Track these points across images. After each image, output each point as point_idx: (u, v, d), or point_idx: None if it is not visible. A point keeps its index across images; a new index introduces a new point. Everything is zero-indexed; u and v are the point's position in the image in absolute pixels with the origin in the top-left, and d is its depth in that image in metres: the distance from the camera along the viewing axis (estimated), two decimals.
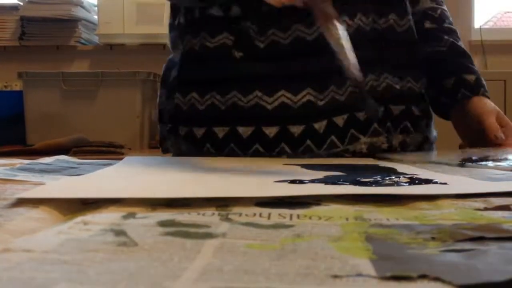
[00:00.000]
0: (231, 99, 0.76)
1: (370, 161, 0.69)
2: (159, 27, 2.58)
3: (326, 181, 0.47)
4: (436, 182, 0.46)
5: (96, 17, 2.76)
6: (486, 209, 0.36)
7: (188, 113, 0.79)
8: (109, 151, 1.88)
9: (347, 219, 0.33)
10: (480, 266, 0.23)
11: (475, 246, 0.26)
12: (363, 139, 0.75)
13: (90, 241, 0.27)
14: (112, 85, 2.15)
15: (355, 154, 0.76)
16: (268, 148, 0.75)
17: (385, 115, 0.77)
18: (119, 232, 0.29)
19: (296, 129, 0.74)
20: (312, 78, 0.74)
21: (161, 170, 0.58)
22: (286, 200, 0.39)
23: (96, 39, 2.80)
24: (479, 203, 0.38)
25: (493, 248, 0.26)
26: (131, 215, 0.33)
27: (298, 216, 0.34)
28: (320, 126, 0.74)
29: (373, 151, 0.76)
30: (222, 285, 0.21)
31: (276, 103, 0.74)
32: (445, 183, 0.46)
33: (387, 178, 0.49)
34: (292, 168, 0.59)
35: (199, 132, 0.78)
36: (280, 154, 0.75)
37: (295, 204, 0.37)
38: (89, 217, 0.33)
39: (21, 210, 0.35)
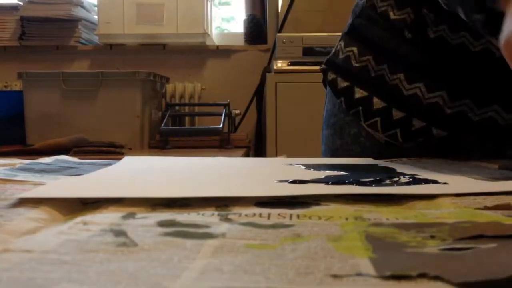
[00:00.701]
0: (379, 70, 0.76)
1: (370, 161, 0.69)
2: (159, 27, 2.58)
3: (326, 181, 0.47)
4: (436, 182, 0.46)
5: (96, 17, 2.76)
6: (485, 208, 0.36)
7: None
8: (109, 151, 1.88)
9: (347, 218, 0.33)
10: (479, 265, 0.23)
11: (474, 244, 0.26)
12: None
13: (90, 241, 0.27)
14: (112, 85, 2.16)
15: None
16: (385, 128, 0.75)
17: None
18: (119, 232, 0.29)
19: (416, 123, 0.73)
20: (449, 81, 0.72)
21: (161, 170, 0.58)
22: (285, 200, 0.39)
23: (96, 39, 2.80)
24: (478, 202, 0.38)
25: (492, 246, 0.26)
26: (131, 215, 0.33)
27: (298, 216, 0.34)
28: (439, 133, 0.73)
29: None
30: (222, 285, 0.21)
31: (411, 92, 0.73)
32: (445, 183, 0.46)
33: (387, 178, 0.49)
34: (292, 168, 0.59)
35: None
36: (392, 138, 0.75)
37: (295, 204, 0.37)
38: (89, 217, 0.33)
39: (21, 210, 0.35)
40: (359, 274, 0.22)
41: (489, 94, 0.71)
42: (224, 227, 0.31)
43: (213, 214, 0.34)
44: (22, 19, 2.72)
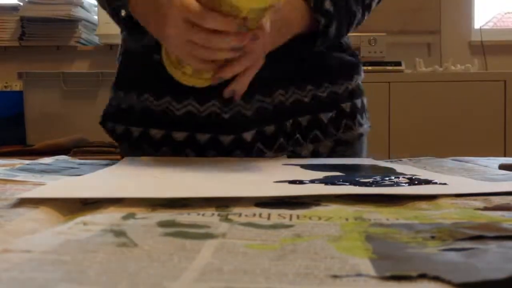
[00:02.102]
0: (143, 101, 0.77)
1: (369, 161, 0.69)
2: None
3: (326, 181, 0.47)
4: (436, 183, 0.46)
5: (96, 17, 2.76)
6: (485, 208, 0.36)
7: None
8: (109, 151, 1.88)
9: (346, 219, 0.33)
10: (479, 265, 0.23)
11: (474, 245, 0.26)
12: (269, 153, 0.75)
13: (90, 242, 0.27)
14: None
15: None
16: (176, 151, 0.76)
17: (292, 128, 0.76)
18: (119, 233, 0.29)
19: (202, 137, 0.74)
20: (220, 90, 0.71)
21: (160, 170, 0.58)
22: (286, 201, 0.39)
23: (96, 39, 2.80)
24: (478, 203, 0.38)
25: (492, 246, 0.26)
26: (131, 216, 0.33)
27: (298, 217, 0.34)
28: (225, 139, 0.74)
29: None
30: (222, 285, 0.21)
31: (183, 110, 0.74)
32: (444, 184, 0.46)
33: (387, 178, 0.49)
34: (292, 169, 0.59)
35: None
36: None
37: (295, 205, 0.37)
38: (89, 217, 0.33)
39: (21, 210, 0.35)
40: (359, 275, 0.22)
41: (251, 88, 0.71)
42: (224, 227, 0.31)
43: (213, 215, 0.34)
44: (22, 19, 2.72)
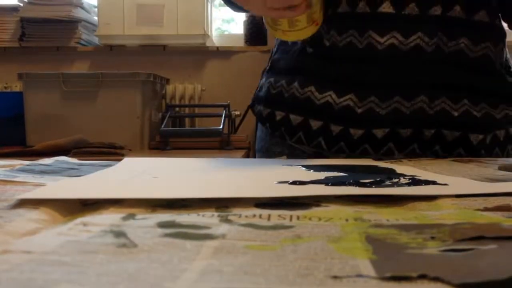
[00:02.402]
0: (289, 88, 0.82)
1: (369, 162, 0.69)
2: (159, 28, 2.58)
3: (326, 182, 0.47)
4: (436, 183, 0.46)
5: (96, 18, 2.76)
6: (486, 209, 0.36)
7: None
8: (109, 152, 1.88)
9: (347, 220, 0.33)
10: (480, 266, 0.23)
11: (474, 245, 0.26)
12: (398, 155, 0.76)
13: (90, 243, 0.27)
14: (112, 86, 2.15)
15: None
16: (308, 139, 0.80)
17: (434, 138, 0.76)
18: (119, 234, 0.29)
19: (334, 128, 0.78)
20: (377, 86, 0.76)
21: (160, 171, 0.58)
22: (286, 201, 0.39)
23: (96, 40, 2.80)
24: (478, 203, 0.38)
25: (492, 247, 0.26)
26: (131, 216, 0.33)
27: (298, 217, 0.34)
28: (355, 133, 0.77)
29: None
30: (222, 286, 0.21)
31: (323, 101, 0.78)
32: (445, 184, 0.46)
33: (387, 179, 0.49)
34: (293, 169, 0.59)
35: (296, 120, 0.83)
36: (317, 147, 0.79)
37: (295, 205, 0.37)
38: (89, 218, 0.33)
39: (21, 211, 0.35)
40: (359, 275, 0.22)
41: (392, 89, 0.75)
42: (224, 228, 0.31)
43: (213, 215, 0.34)
44: (22, 20, 2.72)
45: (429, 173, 0.55)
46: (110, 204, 0.37)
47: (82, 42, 2.75)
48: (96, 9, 2.76)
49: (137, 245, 0.27)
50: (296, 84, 0.81)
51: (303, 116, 0.80)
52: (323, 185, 0.45)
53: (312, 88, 0.79)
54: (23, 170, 0.58)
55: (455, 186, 0.45)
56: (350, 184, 0.45)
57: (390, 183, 0.46)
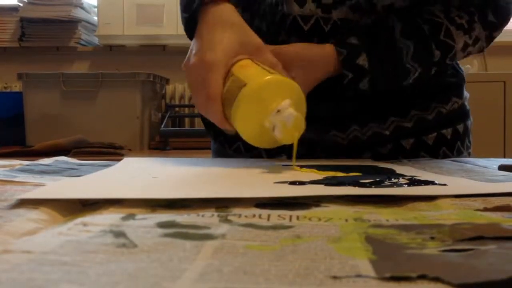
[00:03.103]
0: None
1: (369, 163, 0.69)
2: (159, 28, 2.58)
3: (325, 182, 0.47)
4: (435, 183, 0.46)
5: (96, 18, 2.76)
6: (485, 209, 0.36)
7: None
8: (109, 152, 1.88)
9: (346, 220, 0.33)
10: (479, 266, 0.23)
11: (474, 245, 0.26)
12: None
13: (90, 242, 0.27)
14: (112, 86, 2.15)
15: None
16: (266, 150, 0.77)
17: (396, 151, 0.76)
18: (119, 234, 0.29)
19: None
20: (335, 119, 0.75)
21: (160, 171, 0.58)
22: (285, 201, 0.39)
23: (96, 40, 2.80)
24: (478, 204, 0.38)
25: (492, 247, 0.26)
26: (131, 216, 0.33)
27: (297, 217, 0.34)
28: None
29: None
30: (222, 286, 0.21)
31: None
32: (444, 184, 0.46)
33: (387, 179, 0.49)
34: (292, 169, 0.59)
35: None
36: (276, 157, 0.77)
37: (294, 205, 0.37)
38: (89, 218, 0.33)
39: (21, 211, 0.35)
40: (358, 275, 0.22)
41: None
42: (224, 228, 0.31)
43: (213, 215, 0.34)
44: (22, 20, 2.72)
45: (428, 173, 0.55)
46: (110, 204, 0.37)
47: (82, 42, 2.75)
48: (96, 9, 2.76)
49: (137, 245, 0.27)
50: None
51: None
52: (322, 185, 0.45)
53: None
54: (23, 170, 0.58)
55: (454, 186, 0.45)
56: (349, 184, 0.45)
57: (389, 183, 0.46)
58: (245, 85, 0.56)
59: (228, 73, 0.60)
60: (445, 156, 0.77)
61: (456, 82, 0.80)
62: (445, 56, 0.71)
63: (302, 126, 0.56)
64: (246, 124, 0.58)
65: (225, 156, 0.83)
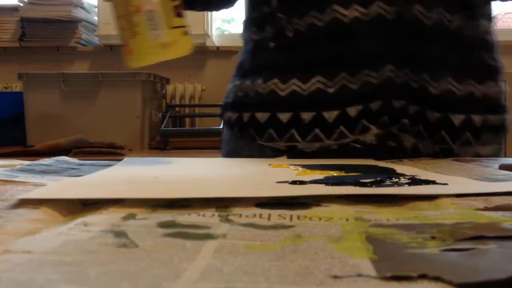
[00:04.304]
0: (254, 87, 0.81)
1: (370, 162, 0.69)
2: None
3: (326, 181, 0.47)
4: (436, 183, 0.46)
5: (96, 18, 2.76)
6: (486, 208, 0.36)
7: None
8: (109, 152, 1.88)
9: (347, 219, 0.33)
10: (480, 265, 0.23)
11: (475, 245, 0.26)
12: (374, 130, 0.73)
13: (90, 242, 0.27)
14: (112, 86, 2.16)
15: (366, 145, 0.74)
16: (280, 134, 0.77)
17: (401, 112, 0.73)
18: (119, 233, 0.29)
19: (306, 116, 0.75)
20: (322, 64, 0.75)
21: (161, 170, 0.58)
22: (286, 201, 0.39)
23: (96, 40, 2.80)
24: (479, 203, 0.38)
25: (493, 247, 0.26)
26: (131, 216, 0.33)
27: (298, 217, 0.34)
28: (330, 115, 0.74)
29: (382, 145, 0.74)
30: (222, 286, 0.21)
31: (288, 90, 0.76)
32: (445, 184, 0.46)
33: (387, 178, 0.49)
34: (292, 169, 0.59)
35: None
36: (290, 141, 0.76)
37: (295, 205, 0.37)
38: (89, 218, 0.33)
39: (21, 211, 0.35)
40: (359, 275, 0.22)
41: (360, 62, 0.73)
42: (224, 228, 0.31)
43: (213, 215, 0.34)
44: (22, 20, 2.72)
45: (429, 172, 0.55)
46: (110, 204, 0.37)
47: (82, 42, 2.75)
48: (96, 9, 2.76)
49: (137, 245, 0.27)
50: (259, 81, 0.79)
51: (270, 111, 0.77)
52: (323, 185, 0.45)
53: (276, 80, 0.77)
54: (23, 170, 0.58)
55: (455, 185, 0.45)
56: (350, 184, 0.45)
57: (390, 183, 0.46)
58: None
59: None
60: (466, 142, 0.76)
61: (494, 66, 0.79)
62: None
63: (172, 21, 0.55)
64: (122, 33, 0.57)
65: (251, 154, 0.82)
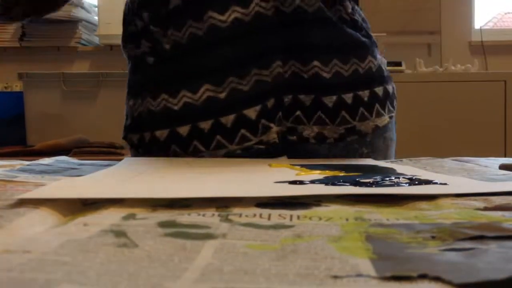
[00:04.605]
0: (145, 105, 0.78)
1: (369, 162, 0.69)
2: None
3: (326, 181, 0.47)
4: (436, 183, 0.46)
5: (96, 18, 2.76)
6: (486, 208, 0.36)
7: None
8: (110, 151, 1.88)
9: (347, 219, 0.33)
10: (480, 265, 0.23)
11: (475, 245, 0.26)
12: (274, 128, 0.74)
13: (90, 242, 0.27)
14: (113, 86, 2.16)
15: (269, 145, 0.74)
16: (183, 148, 0.75)
17: (294, 105, 0.75)
18: (119, 233, 0.29)
19: (205, 125, 0.74)
20: (207, 72, 0.74)
21: (161, 170, 0.58)
22: (286, 201, 0.39)
23: (96, 40, 2.80)
24: (479, 203, 0.38)
25: (493, 247, 0.26)
26: (131, 216, 0.33)
27: (298, 217, 0.34)
28: (227, 120, 0.73)
29: (285, 142, 0.75)
30: (222, 286, 0.21)
31: (180, 104, 0.75)
32: (445, 183, 0.46)
33: (387, 178, 0.49)
34: (292, 169, 0.59)
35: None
36: (195, 153, 0.75)
37: (295, 205, 0.37)
38: (89, 218, 0.33)
39: (21, 211, 0.35)
40: (359, 275, 0.22)
41: (247, 63, 0.73)
42: (224, 227, 0.31)
43: (213, 215, 0.34)
44: None
45: (429, 172, 0.55)
46: (110, 204, 0.37)
47: (83, 42, 2.75)
48: (96, 9, 2.76)
49: (137, 245, 0.27)
50: (149, 98, 0.77)
51: (168, 127, 0.75)
52: (323, 185, 0.45)
53: (165, 96, 0.75)
54: (23, 170, 0.58)
55: (455, 185, 0.45)
56: (350, 184, 0.45)
57: (390, 183, 0.46)
58: None
59: None
60: (363, 118, 0.78)
61: (369, 42, 0.82)
62: None
63: None
64: None
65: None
